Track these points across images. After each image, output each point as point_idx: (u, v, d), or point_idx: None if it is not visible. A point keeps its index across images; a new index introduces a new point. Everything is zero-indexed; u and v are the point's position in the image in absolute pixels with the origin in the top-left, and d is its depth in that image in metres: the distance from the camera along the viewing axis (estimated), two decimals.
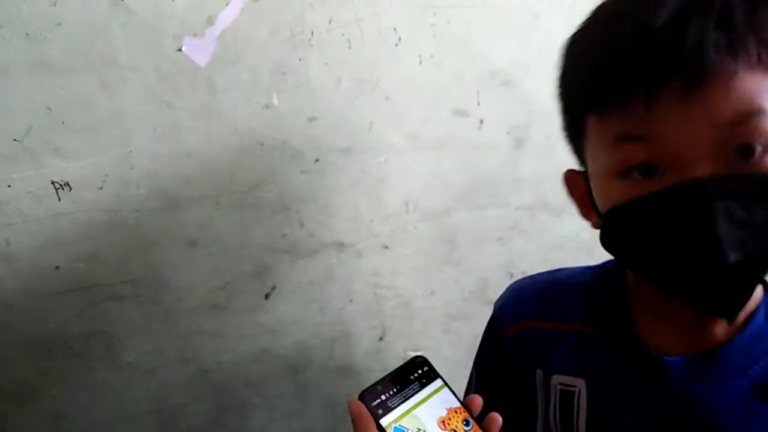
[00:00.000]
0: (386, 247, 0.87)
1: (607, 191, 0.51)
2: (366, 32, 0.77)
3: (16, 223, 0.69)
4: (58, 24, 0.66)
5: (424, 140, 0.84)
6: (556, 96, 0.56)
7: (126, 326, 0.76)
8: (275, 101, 0.76)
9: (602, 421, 0.57)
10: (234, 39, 0.72)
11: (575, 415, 0.59)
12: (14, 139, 0.67)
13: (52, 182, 0.70)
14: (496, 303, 0.69)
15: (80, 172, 0.70)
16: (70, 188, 0.70)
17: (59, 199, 0.70)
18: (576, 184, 0.58)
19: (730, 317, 0.49)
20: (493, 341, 0.68)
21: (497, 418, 0.54)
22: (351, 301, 0.87)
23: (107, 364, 0.76)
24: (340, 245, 0.84)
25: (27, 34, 0.65)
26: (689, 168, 0.45)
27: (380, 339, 0.91)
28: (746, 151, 0.44)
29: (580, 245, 1.00)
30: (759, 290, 0.55)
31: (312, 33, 0.76)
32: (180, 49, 0.71)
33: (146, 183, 0.73)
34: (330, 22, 0.76)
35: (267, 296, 0.83)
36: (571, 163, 0.92)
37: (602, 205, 0.52)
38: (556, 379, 0.61)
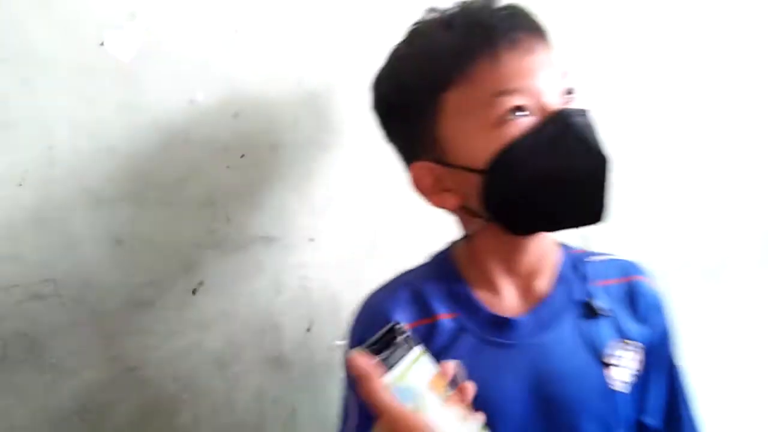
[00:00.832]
0: (312, 240, 0.88)
1: (484, 146, 0.61)
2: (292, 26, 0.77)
3: None
4: None
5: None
6: (391, 110, 0.67)
7: (49, 327, 0.73)
8: (199, 97, 0.75)
9: (484, 390, 0.61)
10: (158, 34, 0.71)
11: None
12: None
13: None
14: (353, 325, 0.71)
15: None
16: None
17: None
18: (423, 175, 0.67)
19: (605, 218, 0.63)
20: None
21: (470, 386, 0.58)
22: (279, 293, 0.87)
23: (29, 366, 0.73)
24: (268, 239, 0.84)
25: None
26: (548, 106, 0.61)
27: (308, 330, 0.91)
28: (570, 92, 0.64)
29: None
30: (557, 247, 0.73)
31: (236, 30, 0.75)
32: (102, 44, 0.68)
33: (69, 180, 0.70)
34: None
35: (194, 292, 0.81)
36: None
37: (479, 162, 0.62)
38: None
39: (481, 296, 0.69)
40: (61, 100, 0.68)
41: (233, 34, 0.74)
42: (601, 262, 0.74)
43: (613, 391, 0.68)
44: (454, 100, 0.63)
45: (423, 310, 0.69)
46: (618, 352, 0.69)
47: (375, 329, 0.61)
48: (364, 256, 0.92)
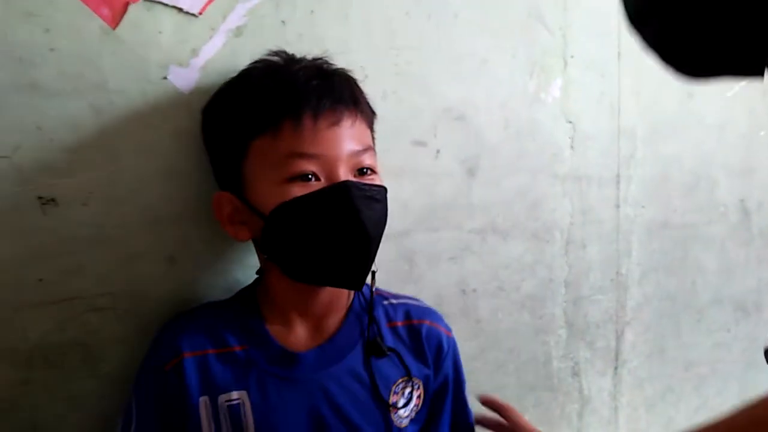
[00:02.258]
0: None
1: (272, 196, 0.65)
2: None
3: (3, 236, 0.69)
4: (51, 49, 0.67)
5: (386, 168, 0.87)
6: (208, 134, 0.72)
7: (104, 337, 0.75)
8: None
9: (267, 422, 0.67)
10: (215, 69, 0.75)
11: (245, 426, 0.67)
12: (2, 156, 0.67)
13: (39, 197, 0.70)
14: (150, 345, 0.72)
15: (66, 188, 0.70)
16: (56, 204, 0.70)
17: (44, 214, 0.70)
18: (223, 204, 0.70)
19: (360, 287, 0.68)
20: (152, 379, 0.69)
21: None
22: None
23: (85, 374, 0.75)
24: None
25: (20, 58, 0.66)
26: (337, 176, 0.64)
27: None
28: (363, 171, 0.68)
29: (523, 266, 1.05)
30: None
31: None
32: (165, 77, 0.73)
33: (129, 200, 0.73)
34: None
35: None
36: (517, 190, 0.98)
37: (266, 208, 0.65)
38: (222, 398, 0.68)
39: (273, 331, 0.71)
40: (127, 127, 0.72)
41: None
42: (395, 305, 0.78)
43: (396, 428, 0.72)
44: (259, 148, 0.66)
45: (214, 340, 0.70)
46: (401, 389, 0.73)
47: (163, 354, 0.68)
48: (400, 281, 0.94)
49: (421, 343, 0.76)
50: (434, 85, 0.89)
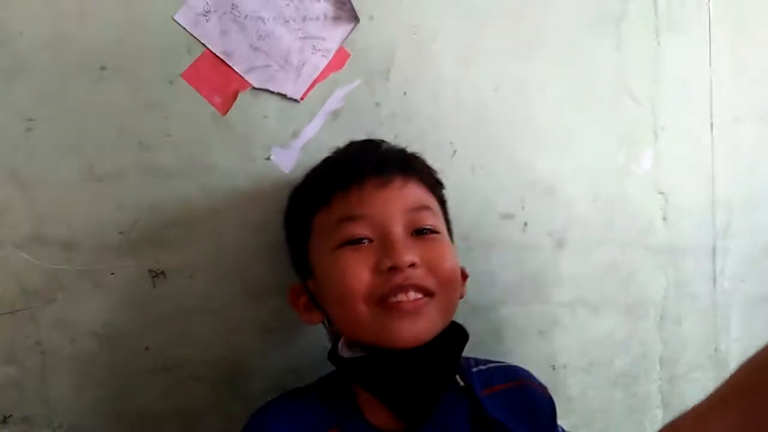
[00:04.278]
0: None
1: (327, 265, 0.66)
2: (427, 145, 0.83)
3: (116, 308, 0.74)
4: (168, 135, 0.73)
5: (475, 241, 0.89)
6: (287, 223, 0.76)
7: (201, 406, 0.78)
8: None
9: None
10: (315, 149, 0.79)
11: None
12: (120, 232, 0.73)
13: (150, 271, 0.74)
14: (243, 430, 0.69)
15: (175, 262, 0.75)
16: (165, 276, 0.75)
17: (154, 286, 0.75)
18: (299, 294, 0.73)
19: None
20: None
21: None
22: None
23: None
24: None
25: (140, 142, 0.73)
26: (389, 235, 0.64)
27: None
28: (423, 231, 0.67)
29: (615, 341, 1.02)
30: None
31: None
32: (269, 158, 0.78)
33: (231, 274, 0.77)
34: (395, 137, 0.82)
35: None
36: (607, 263, 0.96)
37: (326, 278, 0.67)
38: None
39: (368, 411, 0.67)
40: (232, 205, 0.76)
41: None
42: (485, 371, 0.74)
43: None
44: (318, 223, 0.68)
45: (306, 425, 0.67)
46: None
47: None
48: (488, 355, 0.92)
49: (525, 407, 0.71)
50: (521, 158, 0.90)
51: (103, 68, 0.70)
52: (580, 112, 0.93)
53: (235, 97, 0.75)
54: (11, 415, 0.70)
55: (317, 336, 0.82)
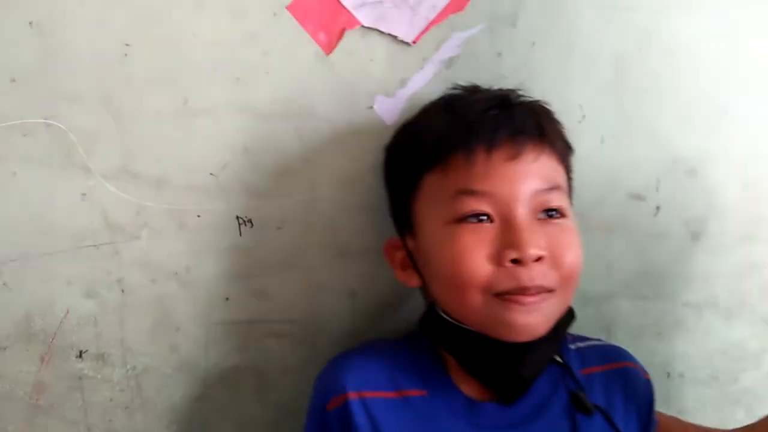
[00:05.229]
0: None
1: (440, 238, 0.59)
2: (553, 107, 0.73)
3: (199, 251, 0.70)
4: (267, 72, 0.68)
5: (595, 222, 0.78)
6: (387, 171, 0.68)
7: (278, 365, 0.74)
8: None
9: None
10: (422, 102, 0.71)
11: None
12: (210, 173, 0.68)
13: (237, 217, 0.70)
14: (315, 384, 0.64)
15: (264, 211, 0.70)
16: (252, 225, 0.70)
17: (240, 234, 0.70)
18: (395, 249, 0.67)
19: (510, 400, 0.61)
20: (316, 419, 0.62)
21: None
22: None
23: (257, 401, 0.74)
24: None
25: (238, 78, 0.67)
26: (513, 218, 0.57)
27: None
28: (550, 213, 0.59)
29: (746, 353, 0.88)
30: None
31: None
32: (371, 107, 0.70)
33: (322, 230, 0.71)
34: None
35: None
36: (749, 263, 0.82)
37: (434, 251, 0.60)
38: None
39: (456, 378, 0.63)
40: (329, 156, 0.70)
41: None
42: (584, 348, 0.68)
43: None
44: (429, 186, 0.61)
45: (387, 382, 0.62)
46: None
47: (325, 392, 0.61)
48: None
49: (627, 392, 0.66)
50: (663, 132, 0.78)
51: None
52: (737, 86, 0.79)
53: (341, 36, 0.67)
54: (87, 350, 0.69)
55: (404, 307, 0.76)
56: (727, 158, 0.80)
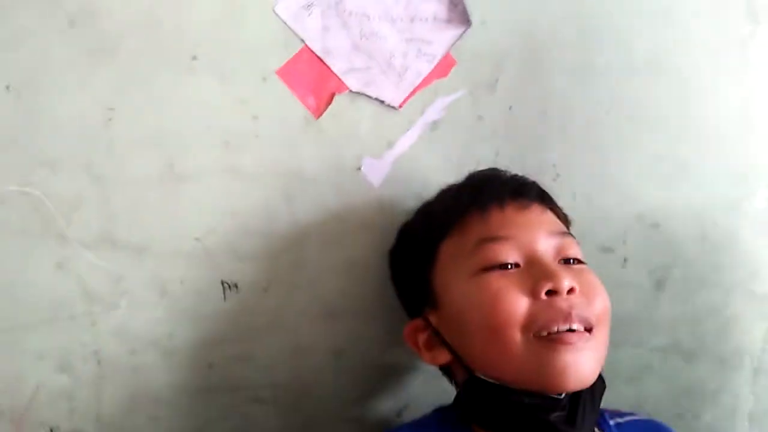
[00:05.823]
0: None
1: (468, 291, 0.58)
2: (528, 167, 0.76)
3: (181, 319, 0.68)
4: (256, 136, 0.67)
5: None
6: (399, 254, 0.69)
7: (264, 430, 0.72)
8: None
9: None
10: (408, 163, 0.72)
11: None
12: (196, 238, 0.67)
13: (222, 282, 0.69)
14: None
15: (250, 273, 0.69)
16: (237, 289, 0.69)
17: (225, 299, 0.69)
18: (417, 331, 0.64)
19: None
20: None
21: None
22: None
23: None
24: None
25: (227, 142, 0.67)
26: (538, 257, 0.58)
27: None
28: (570, 261, 0.60)
29: (706, 392, 0.93)
30: None
31: (478, 164, 0.75)
32: (359, 168, 0.71)
33: (308, 290, 0.71)
34: (496, 155, 0.75)
35: (399, 414, 0.78)
36: (708, 308, 0.87)
37: (462, 310, 0.59)
38: None
39: None
40: (316, 216, 0.70)
41: (472, 169, 0.74)
42: (627, 423, 0.67)
43: None
44: (447, 250, 0.62)
45: None
46: None
47: None
48: None
49: None
50: (629, 189, 0.82)
51: (194, 58, 0.64)
52: (697, 143, 0.84)
53: (330, 100, 0.68)
54: (59, 427, 0.65)
55: (391, 366, 0.76)
56: (687, 211, 0.85)
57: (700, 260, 0.87)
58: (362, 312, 0.73)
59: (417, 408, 0.78)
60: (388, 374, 0.77)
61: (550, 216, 0.64)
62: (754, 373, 0.95)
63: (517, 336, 0.56)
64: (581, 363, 0.55)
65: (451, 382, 0.67)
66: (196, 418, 0.70)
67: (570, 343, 0.54)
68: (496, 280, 0.57)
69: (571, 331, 0.55)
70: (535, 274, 0.57)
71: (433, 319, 0.63)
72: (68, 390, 0.65)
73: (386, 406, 0.77)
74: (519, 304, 0.56)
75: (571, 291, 0.56)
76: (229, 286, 0.69)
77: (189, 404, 0.69)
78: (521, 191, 0.63)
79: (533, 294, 0.56)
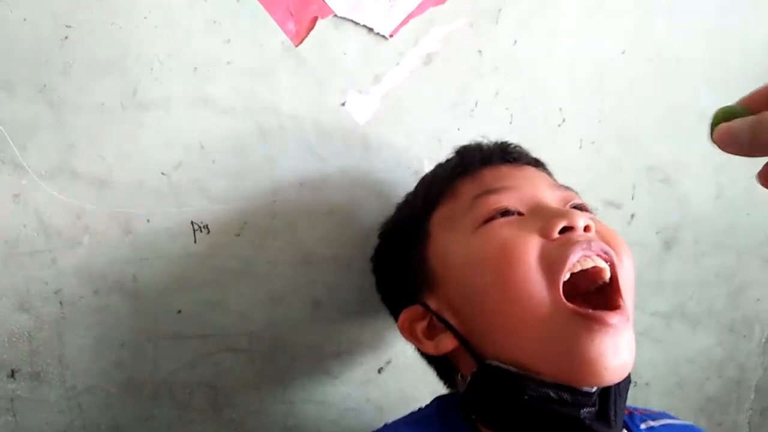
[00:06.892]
0: None
1: (470, 249, 0.51)
2: (530, 109, 0.70)
3: (148, 259, 0.64)
4: (228, 63, 0.62)
5: None
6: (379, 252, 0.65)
7: (235, 381, 0.69)
8: (426, 168, 0.69)
9: None
10: (397, 100, 0.67)
11: None
12: (162, 173, 0.62)
13: (192, 222, 0.64)
14: None
15: (221, 215, 0.64)
16: (209, 231, 0.65)
17: (195, 241, 0.65)
18: (414, 321, 0.56)
19: None
20: None
21: None
22: None
23: (209, 419, 0.69)
24: None
25: (195, 68, 0.61)
26: (542, 203, 0.52)
27: None
28: (579, 206, 0.54)
29: (711, 362, 0.89)
30: None
31: (476, 104, 0.69)
32: (343, 104, 0.65)
33: (284, 235, 0.67)
34: (496, 94, 0.70)
35: (380, 371, 0.75)
36: (718, 272, 0.82)
37: (473, 261, 0.51)
38: None
39: None
40: (294, 156, 0.65)
41: (471, 109, 0.68)
42: (661, 427, 0.59)
43: None
44: (440, 217, 0.57)
45: None
46: None
47: None
48: None
49: None
50: (640, 139, 0.76)
51: None
52: (718, 95, 0.77)
53: (312, 26, 0.62)
54: (19, 370, 0.62)
55: (369, 318, 0.72)
56: (701, 166, 0.79)
57: (713, 220, 0.82)
58: (342, 260, 0.69)
59: (400, 366, 0.75)
60: (369, 328, 0.73)
61: (547, 176, 0.60)
62: (764, 344, 0.91)
63: (536, 275, 0.47)
64: (622, 349, 0.45)
65: (445, 382, 0.62)
66: (164, 364, 0.66)
67: (609, 324, 0.45)
68: (500, 226, 0.51)
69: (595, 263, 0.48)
70: (544, 215, 0.50)
71: (432, 303, 0.55)
72: (29, 330, 0.62)
73: (366, 361, 0.74)
74: (531, 245, 0.48)
75: (587, 229, 0.49)
76: (200, 228, 0.64)
77: (156, 350, 0.66)
78: (512, 153, 0.59)
79: (545, 233, 0.49)
